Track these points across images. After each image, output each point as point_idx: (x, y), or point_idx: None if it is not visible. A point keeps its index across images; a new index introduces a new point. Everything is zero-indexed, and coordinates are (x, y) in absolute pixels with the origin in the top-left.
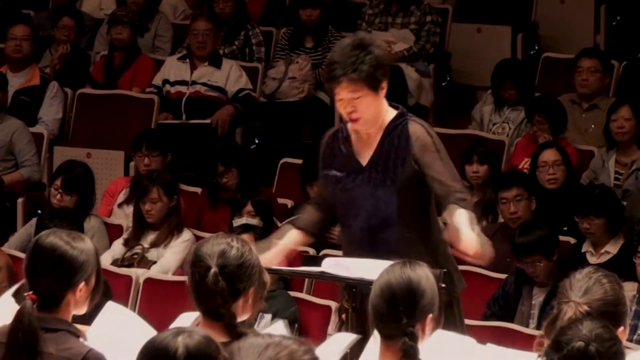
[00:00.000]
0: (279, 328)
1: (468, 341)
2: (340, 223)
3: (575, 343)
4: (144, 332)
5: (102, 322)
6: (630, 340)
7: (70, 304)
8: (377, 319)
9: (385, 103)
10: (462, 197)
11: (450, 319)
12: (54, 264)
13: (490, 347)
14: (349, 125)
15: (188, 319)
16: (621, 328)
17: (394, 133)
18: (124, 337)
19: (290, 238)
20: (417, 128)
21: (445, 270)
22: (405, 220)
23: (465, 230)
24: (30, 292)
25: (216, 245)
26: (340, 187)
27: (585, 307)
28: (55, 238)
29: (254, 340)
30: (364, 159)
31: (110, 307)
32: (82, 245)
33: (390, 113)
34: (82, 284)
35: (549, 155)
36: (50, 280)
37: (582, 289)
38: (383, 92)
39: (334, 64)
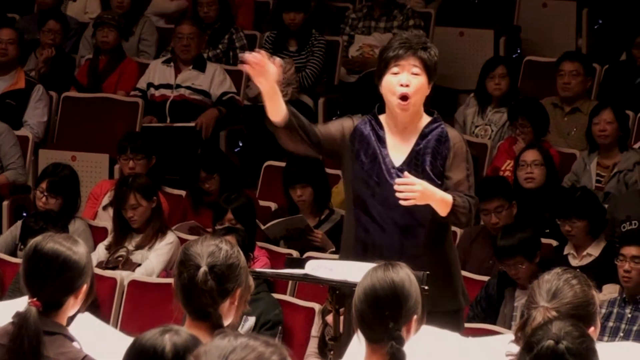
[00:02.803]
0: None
1: (450, 335)
2: (356, 221)
3: (545, 342)
4: (117, 340)
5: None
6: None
7: (69, 307)
8: (363, 323)
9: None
10: (467, 193)
11: (455, 329)
12: (59, 270)
13: (472, 340)
14: (384, 122)
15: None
16: (592, 328)
17: (431, 136)
18: (99, 348)
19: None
20: (456, 134)
21: (427, 272)
22: (434, 224)
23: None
24: (34, 299)
25: (205, 246)
26: (370, 183)
27: (553, 313)
28: (56, 244)
29: (219, 343)
30: (397, 159)
31: (82, 318)
32: (81, 249)
33: (425, 117)
34: (84, 287)
35: (529, 155)
36: (55, 286)
37: (550, 292)
38: (428, 91)
39: (404, 39)
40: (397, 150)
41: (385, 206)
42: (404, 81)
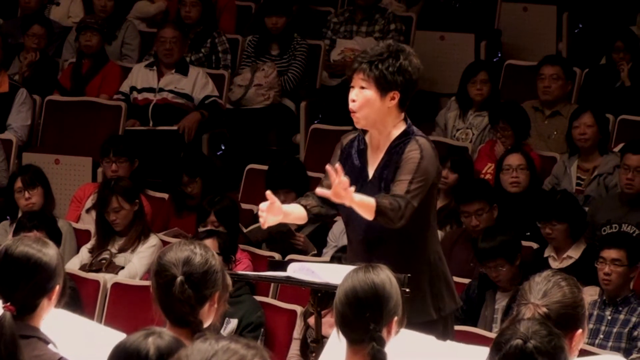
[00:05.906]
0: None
1: (428, 339)
2: (346, 230)
3: (514, 341)
4: (89, 329)
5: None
6: (592, 344)
7: (44, 309)
8: (343, 324)
9: (396, 116)
10: (398, 194)
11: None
12: (30, 273)
13: (450, 344)
14: (367, 137)
15: None
16: (579, 330)
17: (396, 150)
18: (74, 339)
19: (297, 208)
20: (413, 147)
21: (409, 275)
22: (402, 236)
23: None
24: (8, 304)
25: (180, 252)
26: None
27: (544, 309)
28: (26, 247)
29: (201, 347)
30: (371, 172)
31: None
32: (51, 251)
33: (400, 128)
34: (57, 288)
35: (514, 159)
36: (28, 290)
37: (541, 292)
38: (392, 102)
39: (362, 52)
40: (373, 163)
41: (353, 222)
42: (352, 96)
